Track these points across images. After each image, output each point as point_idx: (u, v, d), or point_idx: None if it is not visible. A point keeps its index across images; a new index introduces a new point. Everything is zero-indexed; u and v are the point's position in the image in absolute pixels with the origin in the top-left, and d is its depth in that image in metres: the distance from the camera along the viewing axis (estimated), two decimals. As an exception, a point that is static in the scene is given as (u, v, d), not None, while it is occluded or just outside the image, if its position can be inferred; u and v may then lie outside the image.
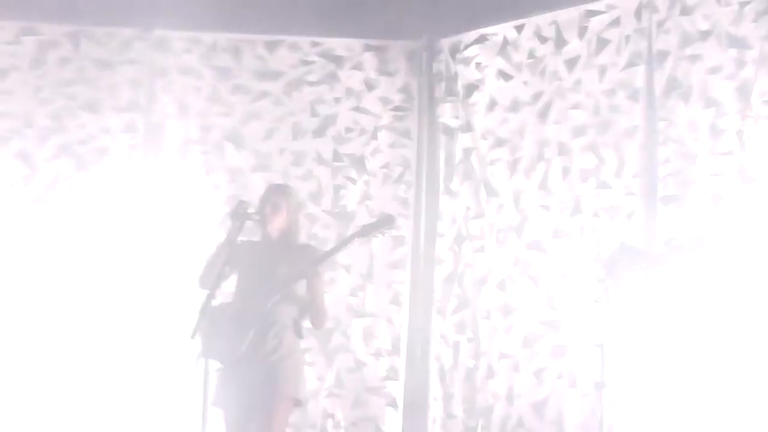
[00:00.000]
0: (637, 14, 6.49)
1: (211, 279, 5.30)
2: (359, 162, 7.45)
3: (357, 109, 7.48)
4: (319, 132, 7.48)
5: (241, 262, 5.65)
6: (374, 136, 7.46)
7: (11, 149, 7.31)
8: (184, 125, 7.44)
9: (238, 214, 5.52)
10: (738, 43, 6.04)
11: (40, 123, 7.34)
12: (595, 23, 6.63)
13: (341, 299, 7.27)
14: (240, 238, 5.62)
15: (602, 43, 6.62)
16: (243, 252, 5.66)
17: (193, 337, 5.18)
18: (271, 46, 7.43)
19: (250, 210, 5.60)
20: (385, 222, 5.64)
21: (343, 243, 5.63)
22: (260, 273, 5.68)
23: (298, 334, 5.71)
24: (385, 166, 7.48)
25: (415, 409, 7.13)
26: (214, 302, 5.36)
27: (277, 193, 5.79)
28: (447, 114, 7.40)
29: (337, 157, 7.50)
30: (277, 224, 5.72)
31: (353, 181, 7.46)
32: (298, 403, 5.59)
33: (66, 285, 7.08)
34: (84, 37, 7.34)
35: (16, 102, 7.28)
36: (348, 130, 7.49)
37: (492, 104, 7.16)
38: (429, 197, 7.39)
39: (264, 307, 5.57)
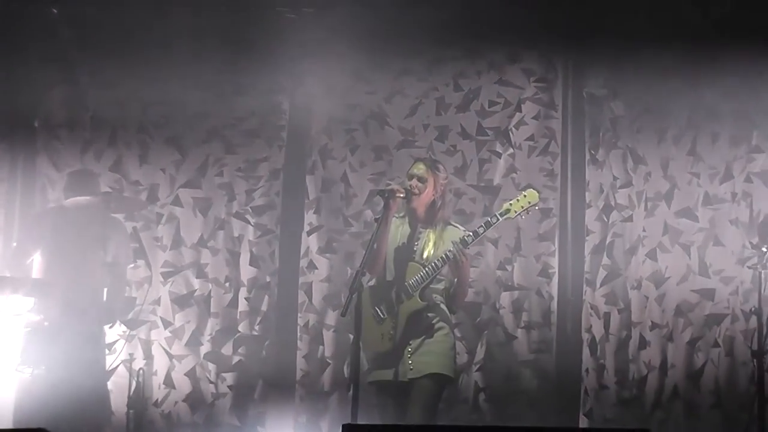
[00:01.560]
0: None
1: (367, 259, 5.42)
2: (504, 135, 7.47)
3: (500, 81, 7.50)
4: (462, 106, 7.49)
5: (386, 241, 5.65)
6: (518, 108, 7.44)
7: (163, 135, 7.56)
8: (329, 104, 7.58)
9: (384, 192, 5.57)
10: None
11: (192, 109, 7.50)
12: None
13: (490, 273, 7.33)
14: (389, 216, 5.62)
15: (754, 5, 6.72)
16: (388, 231, 5.67)
17: (344, 315, 5.30)
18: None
19: (395, 187, 5.62)
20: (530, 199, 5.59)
21: (491, 225, 5.61)
22: (406, 253, 5.70)
23: (451, 311, 5.75)
24: (530, 138, 7.47)
25: (567, 381, 7.14)
26: (365, 281, 5.49)
27: (421, 167, 5.74)
28: (593, 84, 7.41)
29: (481, 131, 7.52)
30: (423, 199, 5.68)
31: (498, 154, 7.47)
32: (450, 379, 5.72)
33: (213, 267, 7.46)
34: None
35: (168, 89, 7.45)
36: (492, 102, 7.51)
37: (637, 74, 7.24)
38: (575, 168, 7.38)
39: (409, 289, 5.57)
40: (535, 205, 5.61)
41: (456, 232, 5.65)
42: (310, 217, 7.61)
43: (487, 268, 7.33)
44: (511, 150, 7.45)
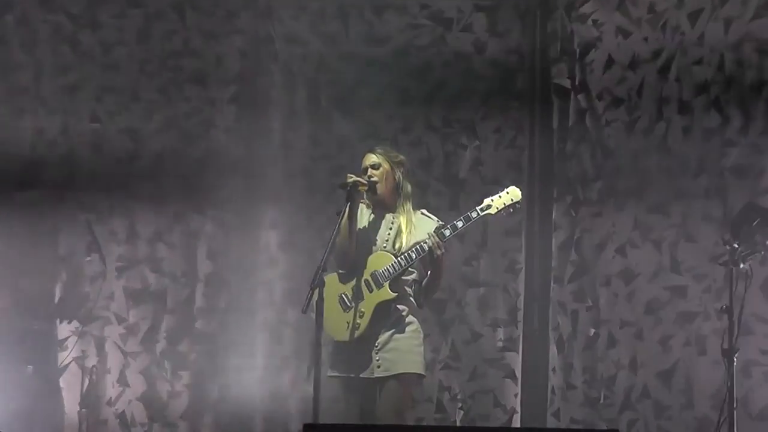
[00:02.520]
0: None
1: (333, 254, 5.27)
2: (470, 127, 7.36)
3: (467, 72, 7.37)
4: (427, 98, 7.39)
5: (353, 233, 5.53)
6: (485, 101, 7.34)
7: (117, 124, 7.47)
8: (291, 94, 7.52)
9: (346, 185, 5.43)
10: None
11: (146, 96, 7.44)
12: (720, -29, 6.49)
13: (455, 269, 7.18)
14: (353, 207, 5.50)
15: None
16: (355, 222, 5.55)
17: (304, 311, 5.16)
18: (379, 10, 7.40)
19: (354, 178, 5.47)
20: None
21: (471, 220, 5.45)
22: (376, 239, 5.58)
23: (419, 303, 5.59)
24: (497, 130, 7.38)
25: (533, 380, 7.07)
26: (326, 276, 5.28)
27: (372, 156, 5.62)
28: (561, 74, 7.28)
29: (446, 122, 7.41)
30: (385, 186, 5.54)
31: (464, 147, 7.36)
32: (421, 377, 5.55)
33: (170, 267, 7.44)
34: (189, 8, 7.50)
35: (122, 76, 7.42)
36: (456, 95, 7.41)
37: (609, 62, 7.08)
38: (543, 161, 7.30)
39: (379, 278, 5.43)
40: (516, 203, 5.52)
41: (429, 222, 5.54)
42: (271, 211, 7.62)
43: (453, 263, 7.12)
44: (477, 143, 7.41)
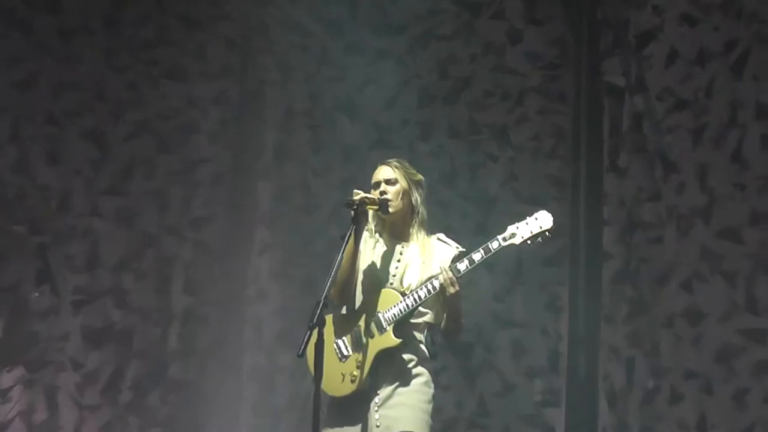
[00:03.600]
0: None
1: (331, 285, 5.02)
2: (502, 134, 7.31)
3: (498, 68, 7.32)
4: (451, 98, 7.35)
5: (357, 262, 5.39)
6: (520, 102, 7.30)
7: (80, 127, 7.45)
8: (288, 93, 7.49)
9: (353, 203, 5.25)
10: None
11: (113, 95, 7.42)
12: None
13: (484, 305, 7.11)
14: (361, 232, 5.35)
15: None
16: (359, 250, 5.37)
17: (301, 355, 4.97)
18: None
19: (362, 195, 5.31)
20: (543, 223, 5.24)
21: (491, 252, 5.19)
22: (380, 276, 5.39)
23: (431, 352, 5.39)
24: (535, 137, 7.31)
25: (579, 442, 6.85)
26: (327, 314, 5.15)
27: (387, 169, 5.46)
28: (613, 71, 7.21)
29: (474, 128, 7.35)
30: (398, 208, 5.39)
31: (494, 158, 7.30)
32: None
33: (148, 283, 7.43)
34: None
35: (85, 70, 7.40)
36: (487, 94, 7.35)
37: (672, 57, 6.99)
38: (590, 176, 7.24)
39: (383, 322, 5.28)
40: (547, 231, 5.20)
41: (447, 250, 5.33)
42: (261, 234, 7.61)
43: (481, 299, 7.06)
44: (511, 153, 7.33)
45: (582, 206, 7.26)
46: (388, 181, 5.37)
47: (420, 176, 5.44)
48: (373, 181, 5.41)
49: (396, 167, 5.41)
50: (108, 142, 7.54)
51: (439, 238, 5.42)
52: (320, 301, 4.99)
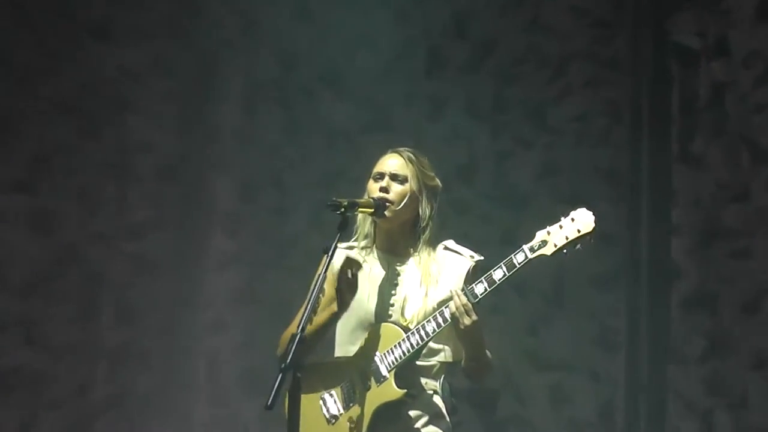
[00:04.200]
0: None
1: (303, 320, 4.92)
2: (537, 113, 7.16)
3: (533, 26, 7.26)
4: (470, 65, 7.25)
5: (345, 288, 5.14)
6: (561, 71, 7.18)
7: None
8: (252, 58, 7.42)
9: (339, 205, 5.04)
10: None
11: (21, 61, 7.41)
12: None
13: (513, 340, 6.94)
14: (341, 250, 5.13)
15: None
16: (346, 272, 5.14)
17: (270, 406, 4.63)
18: None
19: (349, 203, 5.10)
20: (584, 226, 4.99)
21: (516, 268, 4.97)
22: (378, 307, 5.21)
23: (450, 406, 5.14)
24: (580, 117, 7.16)
25: None
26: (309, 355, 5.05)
27: (397, 161, 5.25)
28: (684, 29, 7.13)
29: (500, 105, 7.19)
30: (402, 215, 5.15)
31: (527, 144, 7.16)
32: None
33: None
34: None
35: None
36: (518, 60, 7.25)
37: (764, 9, 6.87)
38: (655, 168, 7.13)
39: (381, 368, 5.09)
40: (587, 235, 4.94)
41: (458, 262, 5.17)
42: (219, 243, 7.49)
43: (509, 331, 6.92)
44: (548, 138, 7.22)
45: (643, 208, 7.17)
46: (395, 177, 5.17)
47: (438, 182, 5.28)
48: (375, 170, 5.22)
49: (410, 161, 5.25)
50: (13, 123, 7.38)
51: (446, 247, 5.25)
52: (296, 335, 4.78)
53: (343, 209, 5.06)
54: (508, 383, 7.07)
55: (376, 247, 5.28)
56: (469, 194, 7.23)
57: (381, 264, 5.25)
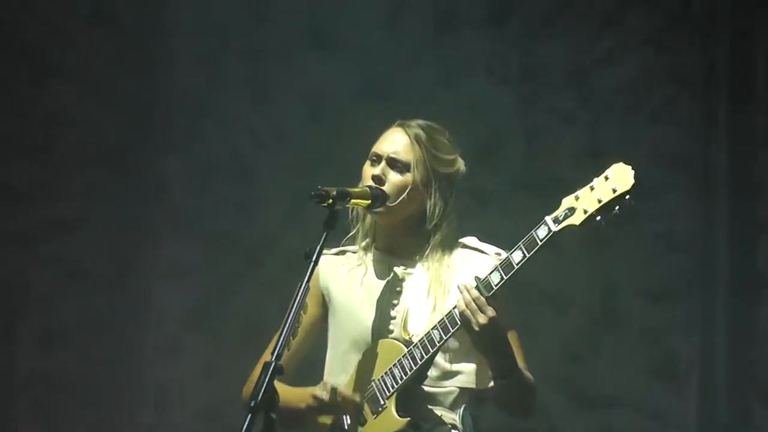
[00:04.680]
0: None
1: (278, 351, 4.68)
2: (577, 78, 6.93)
3: None
4: (492, 19, 7.05)
5: (335, 302, 5.01)
6: (610, 23, 6.88)
7: None
8: (209, 6, 7.16)
9: (325, 195, 4.77)
10: None
11: None
12: None
13: (549, 368, 6.54)
14: (327, 253, 4.98)
15: None
16: (336, 280, 5.04)
17: None
18: None
19: (339, 192, 4.84)
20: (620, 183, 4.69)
21: (539, 245, 4.68)
22: (376, 322, 4.97)
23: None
24: (632, 86, 6.92)
25: None
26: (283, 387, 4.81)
27: (400, 137, 4.99)
28: None
29: (530, 68, 7.05)
30: (406, 206, 4.89)
31: (565, 117, 6.93)
32: None
33: None
34: None
35: None
36: (554, 10, 6.99)
37: None
38: (734, 152, 6.83)
39: (379, 394, 4.90)
40: (626, 194, 4.56)
41: (479, 261, 4.92)
42: (168, 247, 7.24)
43: (544, 357, 6.39)
44: (592, 111, 6.96)
45: (721, 202, 6.87)
46: (393, 163, 4.94)
47: (458, 166, 5.01)
48: (373, 149, 4.99)
49: (417, 140, 4.99)
50: None
51: (465, 245, 5.01)
52: (270, 364, 4.51)
53: (331, 201, 4.69)
54: (545, 420, 6.78)
55: (375, 247, 4.99)
56: (491, 181, 6.90)
57: (379, 267, 4.95)
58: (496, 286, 4.61)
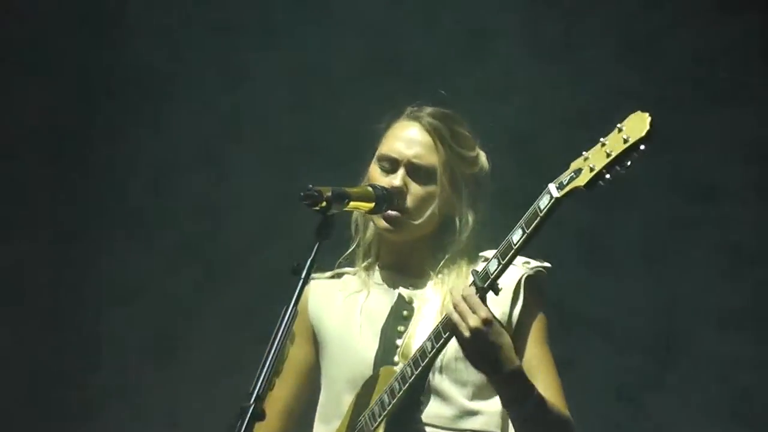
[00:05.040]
0: None
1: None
2: (633, 49, 6.64)
3: None
4: None
5: (328, 335, 4.67)
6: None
7: None
8: None
9: (318, 196, 4.37)
10: None
11: None
12: None
13: (595, 408, 6.22)
14: (319, 277, 4.69)
15: None
16: (329, 309, 4.72)
17: None
18: None
19: (336, 193, 4.45)
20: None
21: (539, 217, 4.33)
22: (376, 350, 4.62)
23: None
24: (704, 57, 6.56)
25: None
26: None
27: (413, 130, 4.62)
28: None
29: (576, 36, 6.78)
30: (417, 232, 4.59)
31: (617, 96, 6.57)
32: None
33: None
34: None
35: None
36: None
37: None
38: None
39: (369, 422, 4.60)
40: (638, 143, 4.09)
41: (507, 275, 4.45)
42: (120, 261, 6.84)
43: (589, 395, 6.12)
44: (653, 90, 6.54)
45: None
46: (415, 170, 4.64)
47: (482, 159, 4.72)
48: (382, 149, 4.65)
49: (439, 136, 4.68)
50: None
51: (485, 258, 4.64)
52: (247, 408, 4.11)
53: (325, 203, 4.32)
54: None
55: (378, 265, 4.66)
56: (529, 181, 6.09)
57: (383, 289, 4.65)
58: (492, 274, 4.23)
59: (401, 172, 4.54)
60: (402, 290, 4.65)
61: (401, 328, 4.62)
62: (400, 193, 4.54)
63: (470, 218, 4.63)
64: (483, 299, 4.31)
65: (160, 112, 6.95)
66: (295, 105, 6.76)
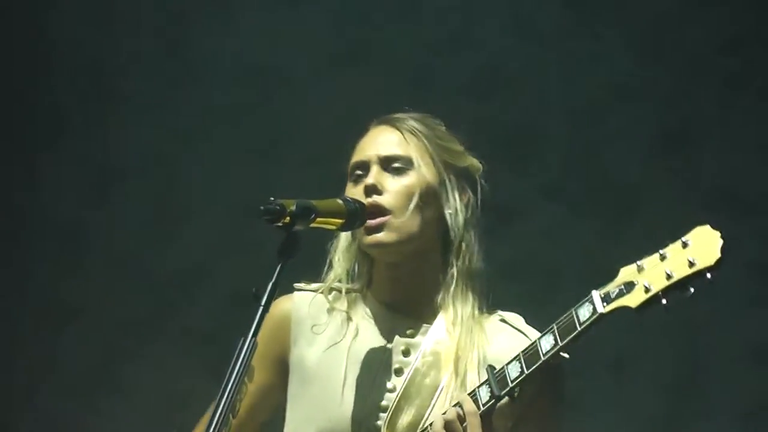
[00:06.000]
0: None
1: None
2: (648, 36, 6.35)
3: None
4: None
5: (305, 367, 4.14)
6: None
7: None
8: None
9: (280, 210, 3.94)
10: None
11: None
12: None
13: None
14: (305, 288, 4.09)
15: None
16: (313, 334, 4.15)
17: None
18: None
19: (300, 207, 4.00)
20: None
21: (577, 330, 3.75)
22: (354, 404, 4.14)
23: None
24: (737, 40, 6.31)
25: None
26: None
27: (390, 135, 4.20)
28: None
29: (569, 24, 6.50)
30: (413, 221, 4.07)
31: (625, 88, 6.51)
32: None
33: None
34: None
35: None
36: None
37: None
38: None
39: None
40: (707, 270, 3.57)
41: (518, 343, 3.97)
42: (52, 286, 6.51)
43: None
44: (684, 84, 6.27)
45: None
46: (388, 162, 4.24)
47: (471, 159, 4.28)
48: (353, 160, 4.30)
49: (413, 132, 4.30)
50: None
51: (505, 320, 4.23)
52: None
53: (288, 219, 3.92)
54: None
55: (373, 296, 4.18)
56: (528, 194, 6.22)
57: (376, 329, 4.17)
58: (512, 382, 3.85)
59: (374, 170, 4.15)
60: (398, 337, 4.18)
61: (390, 385, 4.16)
62: (374, 188, 4.08)
63: (461, 216, 4.15)
64: (491, 411, 3.87)
65: (95, 110, 6.45)
66: (253, 102, 6.28)
